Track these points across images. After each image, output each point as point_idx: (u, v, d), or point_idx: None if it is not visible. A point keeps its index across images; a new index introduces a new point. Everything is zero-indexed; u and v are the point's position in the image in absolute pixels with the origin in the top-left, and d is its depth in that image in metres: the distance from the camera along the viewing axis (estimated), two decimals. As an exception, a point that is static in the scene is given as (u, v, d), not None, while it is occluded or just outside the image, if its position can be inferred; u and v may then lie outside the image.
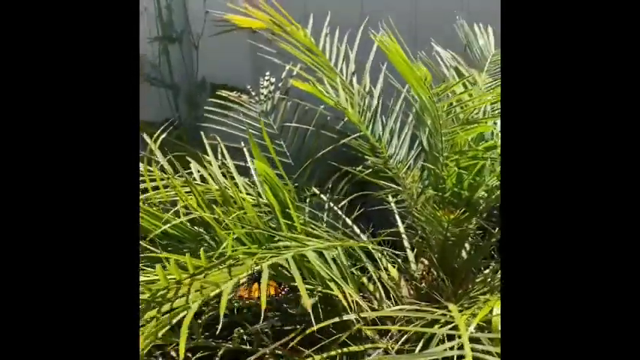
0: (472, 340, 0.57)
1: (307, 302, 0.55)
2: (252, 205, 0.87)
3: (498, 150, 0.84)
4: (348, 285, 0.64)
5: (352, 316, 0.61)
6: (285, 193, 0.81)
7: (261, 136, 1.12)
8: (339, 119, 1.10)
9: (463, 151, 0.86)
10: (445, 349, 0.54)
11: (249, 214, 0.81)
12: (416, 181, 0.95)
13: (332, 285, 0.62)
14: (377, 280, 0.99)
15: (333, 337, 0.79)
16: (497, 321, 0.59)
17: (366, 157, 0.96)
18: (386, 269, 1.11)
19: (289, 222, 0.82)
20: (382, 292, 1.08)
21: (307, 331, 0.72)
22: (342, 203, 1.25)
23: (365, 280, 1.10)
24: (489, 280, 0.98)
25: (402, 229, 1.19)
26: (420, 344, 0.65)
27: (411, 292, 1.03)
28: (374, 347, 0.76)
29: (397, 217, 1.22)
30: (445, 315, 0.68)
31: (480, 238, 1.00)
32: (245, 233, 0.84)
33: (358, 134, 1.01)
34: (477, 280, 0.99)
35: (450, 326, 0.61)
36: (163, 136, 0.99)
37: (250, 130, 1.03)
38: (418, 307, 0.75)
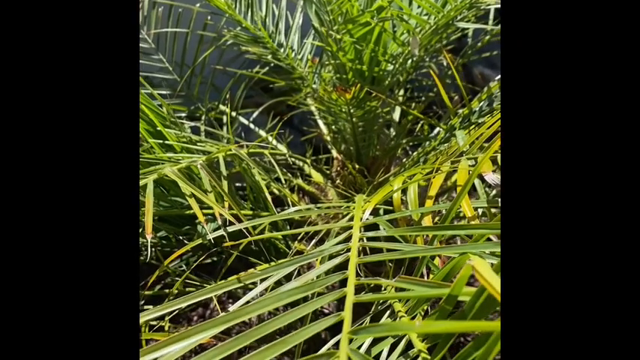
0: (370, 227, 0.47)
1: (148, 229, 0.43)
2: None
3: (394, 11, 0.71)
4: (213, 196, 0.52)
5: (220, 233, 0.50)
6: (151, 105, 0.67)
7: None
8: (219, 16, 0.94)
9: (354, 18, 0.72)
10: (336, 244, 0.44)
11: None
12: (314, 67, 0.81)
13: (191, 201, 0.50)
14: (294, 188, 0.89)
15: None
16: (397, 198, 0.49)
17: (248, 51, 0.81)
18: (309, 175, 1.01)
19: (162, 141, 0.68)
20: (308, 200, 0.99)
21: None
22: (255, 113, 1.12)
23: (287, 192, 0.99)
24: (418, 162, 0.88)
25: (324, 130, 1.07)
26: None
27: (337, 195, 0.93)
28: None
29: (318, 119, 1.11)
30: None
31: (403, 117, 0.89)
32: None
33: (240, 27, 0.85)
34: (404, 165, 0.89)
35: (347, 217, 0.51)
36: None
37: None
38: (316, 206, 0.65)
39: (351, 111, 0.72)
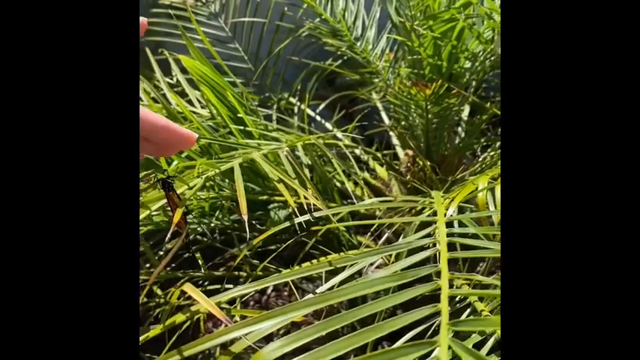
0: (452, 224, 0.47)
1: (244, 209, 0.45)
2: (206, 120, 0.75)
3: (481, 8, 0.70)
4: (303, 184, 0.53)
5: (305, 217, 0.50)
6: (231, 91, 0.69)
7: (213, 43, 0.98)
8: (297, 7, 0.95)
9: (436, 14, 0.72)
10: (421, 237, 0.44)
11: (195, 126, 0.70)
12: (390, 61, 0.81)
13: (280, 186, 0.52)
14: (359, 182, 0.89)
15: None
16: (482, 197, 0.49)
17: (328, 43, 0.82)
18: (373, 170, 1.01)
19: (242, 128, 0.70)
20: (372, 195, 0.99)
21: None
22: (321, 106, 1.13)
23: (351, 185, 1.00)
24: (487, 163, 0.86)
25: (388, 124, 1.07)
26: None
27: (402, 191, 0.93)
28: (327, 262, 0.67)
29: (383, 113, 1.10)
30: (431, 204, 0.57)
31: (471, 117, 0.87)
32: (198, 149, 0.73)
33: (319, 19, 0.86)
34: (476, 165, 0.87)
35: (429, 212, 0.51)
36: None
37: (199, 37, 0.90)
38: (392, 200, 0.65)
39: (428, 107, 0.72)
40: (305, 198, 0.50)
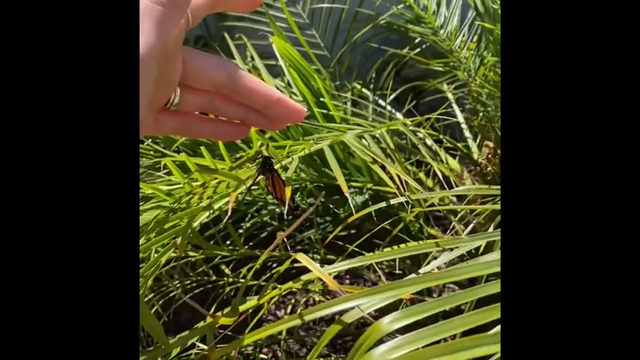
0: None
1: (344, 187, 0.45)
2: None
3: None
4: (395, 166, 0.53)
5: (402, 199, 0.50)
6: (317, 78, 0.69)
7: (291, 29, 0.99)
8: (376, -5, 0.95)
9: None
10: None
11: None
12: (472, 49, 0.79)
13: (375, 168, 0.52)
14: (438, 172, 0.88)
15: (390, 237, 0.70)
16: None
17: (411, 30, 0.81)
18: (445, 162, 0.99)
19: (325, 111, 0.71)
20: (445, 186, 0.97)
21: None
22: (391, 97, 1.13)
23: (422, 175, 0.99)
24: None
25: (460, 118, 1.05)
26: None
27: (476, 183, 0.91)
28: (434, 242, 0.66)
29: (454, 105, 1.09)
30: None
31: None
32: (280, 131, 0.74)
33: (401, 6, 0.85)
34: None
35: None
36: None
37: (277, 23, 0.91)
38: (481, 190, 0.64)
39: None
40: (399, 180, 0.50)
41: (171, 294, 0.83)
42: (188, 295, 0.83)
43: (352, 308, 0.35)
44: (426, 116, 0.66)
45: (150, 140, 0.79)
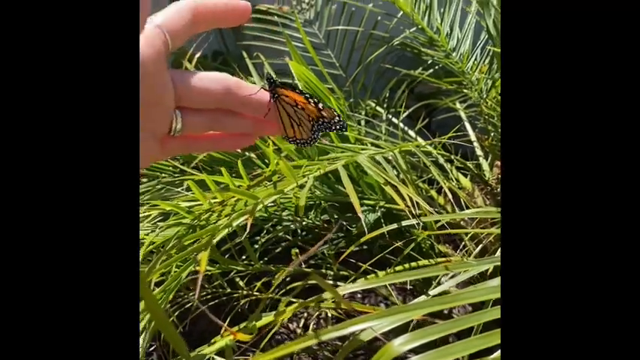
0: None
1: (357, 206, 0.47)
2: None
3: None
4: (408, 188, 0.55)
5: (413, 221, 0.52)
6: (331, 98, 0.72)
7: (307, 49, 1.02)
8: (391, 16, 0.97)
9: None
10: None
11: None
12: (484, 72, 0.81)
13: (387, 189, 0.54)
14: (447, 192, 0.90)
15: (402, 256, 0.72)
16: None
17: (424, 53, 0.83)
18: (456, 180, 1.01)
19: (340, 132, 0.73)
20: (454, 205, 0.99)
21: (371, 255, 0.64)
22: (403, 115, 1.15)
23: (434, 193, 1.00)
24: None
25: (472, 136, 1.07)
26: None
27: (487, 201, 0.92)
28: (446, 261, 0.68)
29: (467, 124, 1.10)
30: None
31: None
32: (295, 149, 0.77)
33: (414, 29, 0.88)
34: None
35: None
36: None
37: (293, 43, 0.94)
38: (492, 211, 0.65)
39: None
40: (409, 200, 0.52)
41: (187, 305, 0.85)
42: (205, 307, 0.85)
43: (366, 329, 0.37)
44: (438, 139, 0.68)
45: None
